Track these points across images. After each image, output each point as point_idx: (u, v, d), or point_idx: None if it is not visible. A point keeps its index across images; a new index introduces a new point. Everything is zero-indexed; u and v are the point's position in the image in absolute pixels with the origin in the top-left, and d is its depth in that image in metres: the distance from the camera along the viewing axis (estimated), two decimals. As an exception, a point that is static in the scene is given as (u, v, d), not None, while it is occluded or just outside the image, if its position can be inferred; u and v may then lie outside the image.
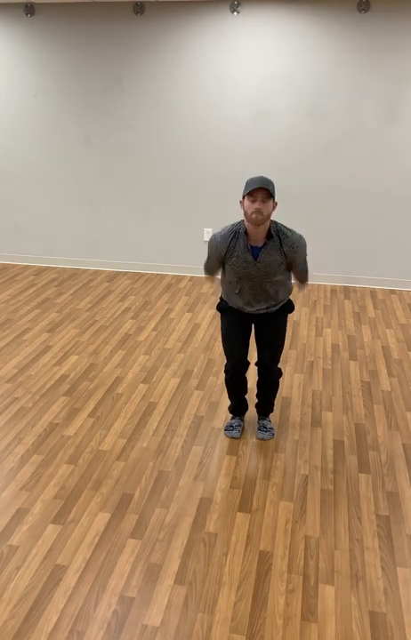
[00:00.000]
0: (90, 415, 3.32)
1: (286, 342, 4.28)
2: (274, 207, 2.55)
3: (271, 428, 3.15)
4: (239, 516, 2.56)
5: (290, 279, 2.84)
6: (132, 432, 3.17)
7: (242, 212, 2.59)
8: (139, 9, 4.98)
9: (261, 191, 2.48)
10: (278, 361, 3.00)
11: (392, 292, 5.48)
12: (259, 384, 3.12)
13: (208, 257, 2.82)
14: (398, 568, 2.30)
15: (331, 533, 2.47)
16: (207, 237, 5.72)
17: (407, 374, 3.88)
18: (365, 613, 2.10)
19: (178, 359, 4.02)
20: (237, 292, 2.80)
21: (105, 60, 5.24)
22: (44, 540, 2.40)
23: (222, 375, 3.80)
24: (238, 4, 4.84)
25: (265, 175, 5.32)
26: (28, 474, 2.81)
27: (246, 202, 2.53)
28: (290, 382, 3.73)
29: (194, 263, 5.84)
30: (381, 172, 5.19)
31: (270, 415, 3.32)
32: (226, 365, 3.04)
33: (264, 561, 2.32)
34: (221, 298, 2.95)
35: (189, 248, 5.80)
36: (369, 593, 2.18)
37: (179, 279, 5.75)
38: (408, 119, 4.98)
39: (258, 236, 2.62)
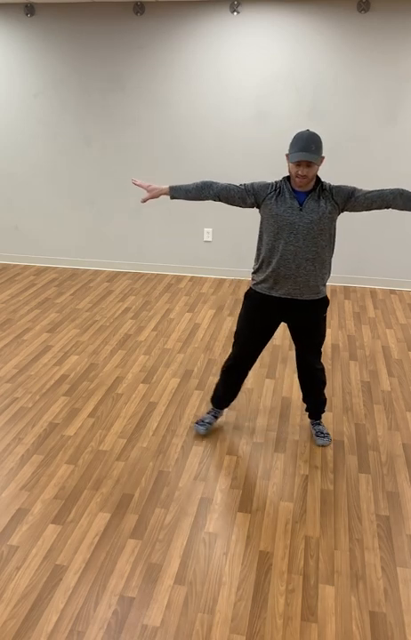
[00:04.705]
0: (90, 415, 3.32)
1: (286, 342, 4.28)
2: (321, 162, 2.45)
3: (328, 434, 3.09)
4: (239, 516, 2.56)
5: (330, 261, 2.67)
6: (132, 432, 3.17)
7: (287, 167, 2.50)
8: (139, 9, 4.98)
9: (304, 161, 2.40)
10: (320, 357, 2.94)
11: (392, 292, 5.48)
12: (303, 384, 3.05)
13: (231, 185, 2.63)
14: (398, 568, 2.30)
15: (331, 533, 2.47)
16: (207, 237, 5.72)
17: (407, 374, 3.88)
18: (365, 613, 2.10)
19: (178, 359, 4.02)
20: (273, 259, 2.59)
21: (105, 60, 5.23)
22: (44, 540, 2.40)
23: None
24: (238, 4, 4.84)
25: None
26: (28, 474, 2.81)
27: (291, 164, 2.45)
28: (290, 382, 3.73)
29: (194, 263, 5.84)
30: (380, 171, 5.18)
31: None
32: (230, 355, 2.94)
33: (264, 561, 2.32)
34: (248, 290, 2.79)
35: (189, 248, 5.80)
36: (369, 593, 2.18)
37: (179, 279, 5.75)
38: (408, 119, 4.98)
39: (303, 189, 2.54)
